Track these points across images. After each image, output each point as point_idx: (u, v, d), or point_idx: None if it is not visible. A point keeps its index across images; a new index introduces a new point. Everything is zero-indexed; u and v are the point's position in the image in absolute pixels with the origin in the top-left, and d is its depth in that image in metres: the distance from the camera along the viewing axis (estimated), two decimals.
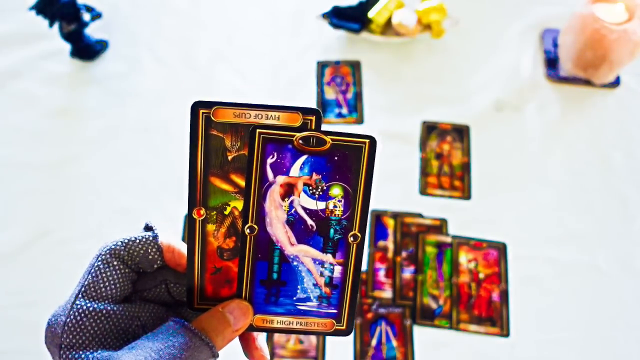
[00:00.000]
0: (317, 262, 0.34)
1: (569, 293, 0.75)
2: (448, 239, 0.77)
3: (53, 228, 0.77)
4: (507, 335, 0.72)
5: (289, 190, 0.33)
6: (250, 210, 0.33)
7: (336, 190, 0.33)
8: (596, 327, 0.73)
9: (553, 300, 0.74)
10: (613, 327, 0.73)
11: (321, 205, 0.33)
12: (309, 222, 0.34)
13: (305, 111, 0.33)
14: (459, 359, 0.71)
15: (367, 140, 0.33)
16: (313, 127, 0.33)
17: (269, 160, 0.32)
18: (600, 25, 0.78)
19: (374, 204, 0.80)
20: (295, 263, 0.34)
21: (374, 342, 0.72)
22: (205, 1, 0.96)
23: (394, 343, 0.72)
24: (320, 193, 0.33)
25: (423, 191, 0.81)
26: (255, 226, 0.33)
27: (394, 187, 0.81)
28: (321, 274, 0.34)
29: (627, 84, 0.88)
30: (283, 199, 0.33)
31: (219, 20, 0.94)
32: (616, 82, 0.88)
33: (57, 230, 0.77)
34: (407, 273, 0.76)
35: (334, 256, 0.34)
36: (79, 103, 0.86)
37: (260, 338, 0.35)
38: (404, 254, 0.77)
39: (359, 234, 0.34)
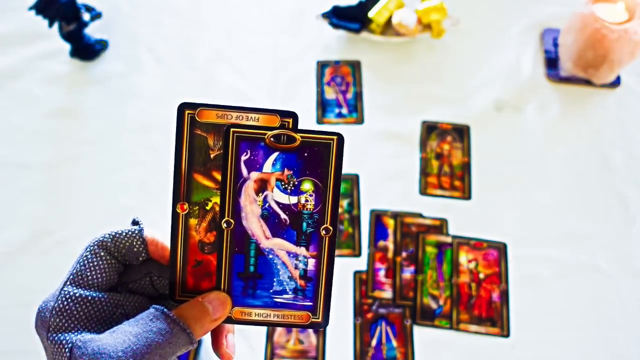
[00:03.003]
0: (291, 255, 0.35)
1: (569, 293, 0.75)
2: (448, 239, 0.77)
3: (53, 228, 0.78)
4: (507, 335, 0.72)
5: (262, 186, 0.35)
6: (227, 205, 0.34)
7: (307, 185, 0.35)
8: (596, 327, 0.73)
9: (553, 300, 0.74)
10: (613, 327, 0.73)
11: (293, 199, 0.35)
12: (283, 216, 0.35)
13: (283, 114, 0.34)
14: (459, 359, 0.71)
15: (334, 137, 0.34)
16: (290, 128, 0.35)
17: (243, 158, 0.34)
18: (600, 25, 0.78)
19: (374, 204, 0.80)
20: (270, 256, 0.35)
21: (374, 342, 0.72)
22: (205, 1, 0.96)
23: (394, 343, 0.72)
24: (292, 188, 0.35)
25: (423, 191, 0.81)
26: (232, 220, 0.35)
27: (394, 187, 0.81)
28: (296, 267, 0.35)
29: (628, 84, 0.88)
30: (257, 194, 0.35)
31: (219, 20, 0.94)
32: (616, 82, 0.88)
33: (57, 230, 0.78)
34: (407, 273, 0.76)
35: (307, 249, 0.35)
36: (79, 103, 0.86)
37: (230, 335, 0.36)
38: (404, 254, 0.77)
39: (330, 227, 0.35)
